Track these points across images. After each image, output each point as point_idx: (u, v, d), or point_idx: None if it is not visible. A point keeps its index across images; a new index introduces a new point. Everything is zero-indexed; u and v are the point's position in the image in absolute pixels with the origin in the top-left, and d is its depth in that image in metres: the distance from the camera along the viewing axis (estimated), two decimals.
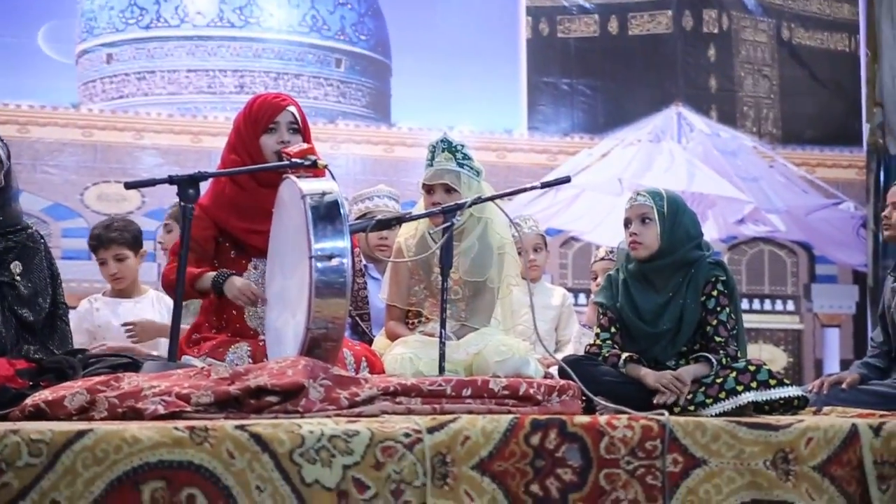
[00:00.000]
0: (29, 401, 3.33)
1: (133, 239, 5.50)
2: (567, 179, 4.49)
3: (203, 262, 4.17)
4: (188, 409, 3.14)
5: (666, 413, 3.43)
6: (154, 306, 5.52)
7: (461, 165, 4.45)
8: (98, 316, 5.40)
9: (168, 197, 6.36)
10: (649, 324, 4.24)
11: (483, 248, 4.49)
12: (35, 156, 7.90)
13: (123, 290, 5.51)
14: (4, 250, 4.33)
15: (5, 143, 4.44)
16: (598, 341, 4.28)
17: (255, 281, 4.16)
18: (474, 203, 4.24)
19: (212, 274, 4.09)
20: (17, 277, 4.31)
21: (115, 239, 5.43)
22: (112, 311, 5.42)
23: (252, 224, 4.16)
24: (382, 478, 2.94)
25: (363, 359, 4.14)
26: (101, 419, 3.11)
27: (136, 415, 3.12)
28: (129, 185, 4.00)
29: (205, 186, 4.21)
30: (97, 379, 3.37)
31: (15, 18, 8.13)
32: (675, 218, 4.29)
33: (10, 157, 4.42)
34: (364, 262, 5.31)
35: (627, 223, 4.33)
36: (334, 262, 3.53)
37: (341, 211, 3.61)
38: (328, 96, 8.92)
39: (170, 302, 5.42)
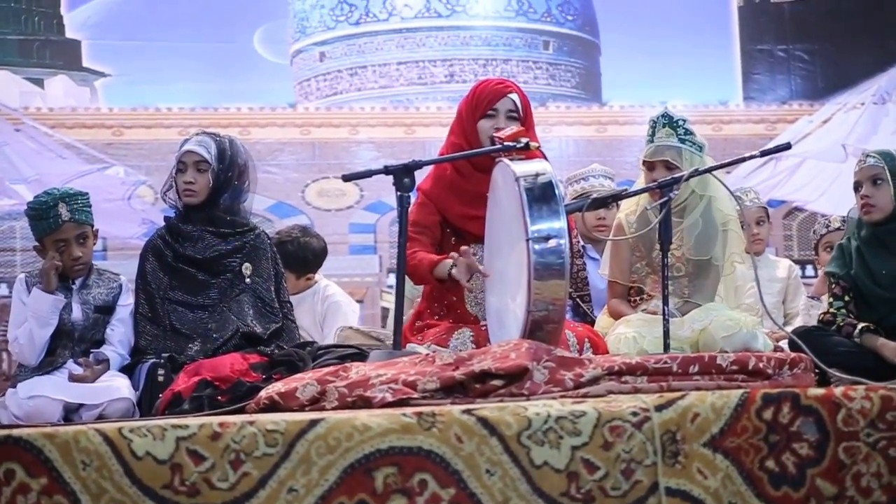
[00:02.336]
0: (263, 393, 3.43)
1: (299, 263, 5.36)
2: (787, 146, 4.38)
3: (435, 247, 4.21)
4: (415, 395, 3.17)
5: None
6: (315, 301, 5.41)
7: (682, 141, 4.36)
8: None
9: (386, 190, 6.46)
10: (888, 289, 4.10)
11: (707, 225, 4.39)
12: (257, 156, 8.05)
13: None
14: (234, 250, 4.47)
15: (219, 142, 4.49)
16: (832, 310, 4.15)
17: None
18: (692, 176, 4.14)
19: (449, 262, 4.03)
20: (248, 280, 4.44)
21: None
22: None
23: (470, 209, 4.19)
24: (612, 458, 2.90)
25: (586, 340, 4.12)
26: (332, 409, 3.18)
27: (366, 403, 3.17)
28: (346, 178, 4.07)
29: (423, 175, 4.25)
30: (326, 370, 3.44)
31: (231, 23, 8.41)
32: None
33: (229, 157, 4.49)
34: (582, 242, 5.26)
35: (858, 186, 4.18)
36: (552, 243, 3.51)
37: (556, 191, 3.58)
38: (538, 79, 8.90)
39: (330, 292, 5.39)
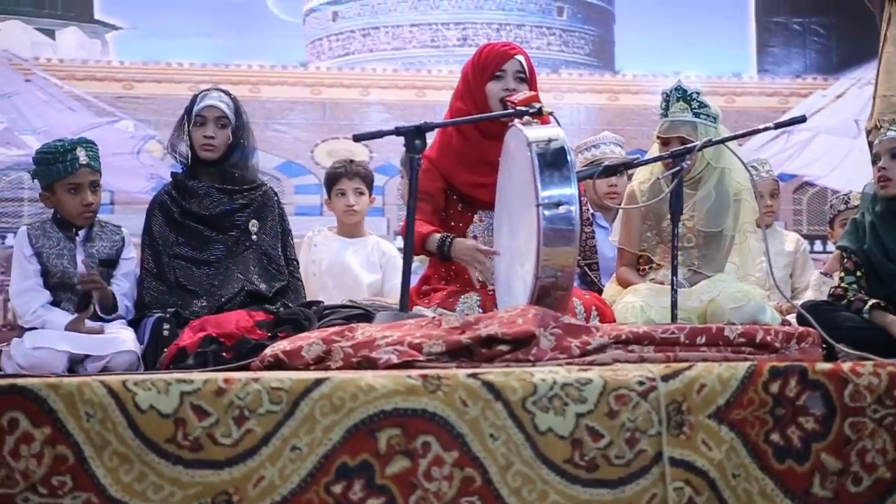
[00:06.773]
0: (268, 351, 3.42)
1: (371, 180, 5.54)
2: (803, 119, 4.33)
3: (436, 214, 4.19)
4: (420, 358, 3.16)
5: None
6: (371, 251, 5.49)
7: (697, 115, 4.32)
8: (315, 251, 5.44)
9: (395, 152, 6.44)
10: None
11: (719, 197, 4.37)
12: (267, 115, 8.13)
13: (351, 229, 5.52)
14: (241, 207, 4.46)
15: (234, 99, 4.53)
16: (843, 285, 4.12)
17: (481, 233, 4.17)
18: (705, 146, 4.12)
19: (437, 237, 4.05)
20: (254, 237, 4.43)
21: (359, 172, 5.45)
22: (330, 247, 5.43)
23: (476, 177, 4.16)
24: (616, 426, 2.89)
25: (593, 308, 4.10)
26: (337, 368, 3.17)
27: (371, 364, 3.15)
28: (357, 138, 4.03)
29: (431, 138, 4.23)
30: (332, 329, 3.43)
31: None
32: None
33: (242, 114, 4.52)
34: (592, 210, 5.25)
35: (876, 159, 4.15)
36: (562, 209, 3.49)
37: (568, 157, 3.56)
38: (551, 45, 8.85)
39: (386, 249, 5.51)
